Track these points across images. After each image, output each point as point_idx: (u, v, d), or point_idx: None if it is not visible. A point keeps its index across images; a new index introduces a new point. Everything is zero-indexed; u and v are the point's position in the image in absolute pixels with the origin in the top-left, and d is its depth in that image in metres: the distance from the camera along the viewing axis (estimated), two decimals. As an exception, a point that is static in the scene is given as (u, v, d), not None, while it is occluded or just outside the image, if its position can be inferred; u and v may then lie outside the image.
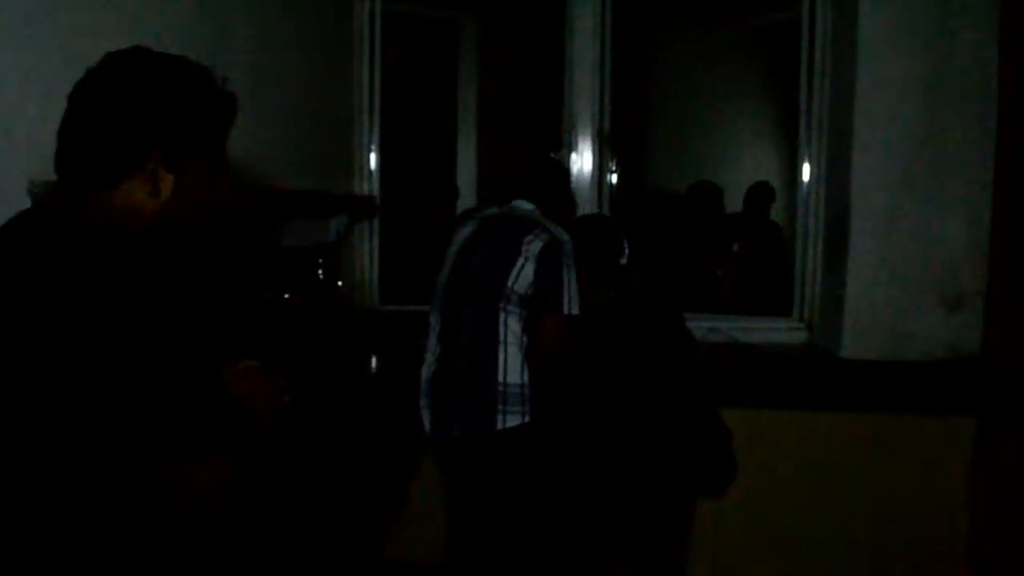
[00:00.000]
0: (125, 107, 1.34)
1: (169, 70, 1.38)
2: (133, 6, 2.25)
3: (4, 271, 1.27)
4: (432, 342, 2.83)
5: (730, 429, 2.79)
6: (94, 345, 1.23)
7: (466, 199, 4.90)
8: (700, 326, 3.43)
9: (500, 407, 2.66)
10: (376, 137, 4.05)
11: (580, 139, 3.87)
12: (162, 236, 1.42)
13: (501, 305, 2.70)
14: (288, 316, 3.06)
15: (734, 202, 4.85)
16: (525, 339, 2.71)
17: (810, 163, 3.65)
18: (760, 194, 4.78)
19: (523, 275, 2.69)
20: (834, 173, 3.49)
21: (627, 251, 2.97)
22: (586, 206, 3.76)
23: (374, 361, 3.44)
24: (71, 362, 1.21)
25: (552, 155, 3.86)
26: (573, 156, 3.87)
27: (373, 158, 4.04)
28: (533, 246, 2.70)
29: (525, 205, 2.87)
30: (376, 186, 4.06)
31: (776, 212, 4.81)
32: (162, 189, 1.37)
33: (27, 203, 1.53)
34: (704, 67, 5.63)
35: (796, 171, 3.75)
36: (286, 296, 3.06)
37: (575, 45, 3.84)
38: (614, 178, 4.14)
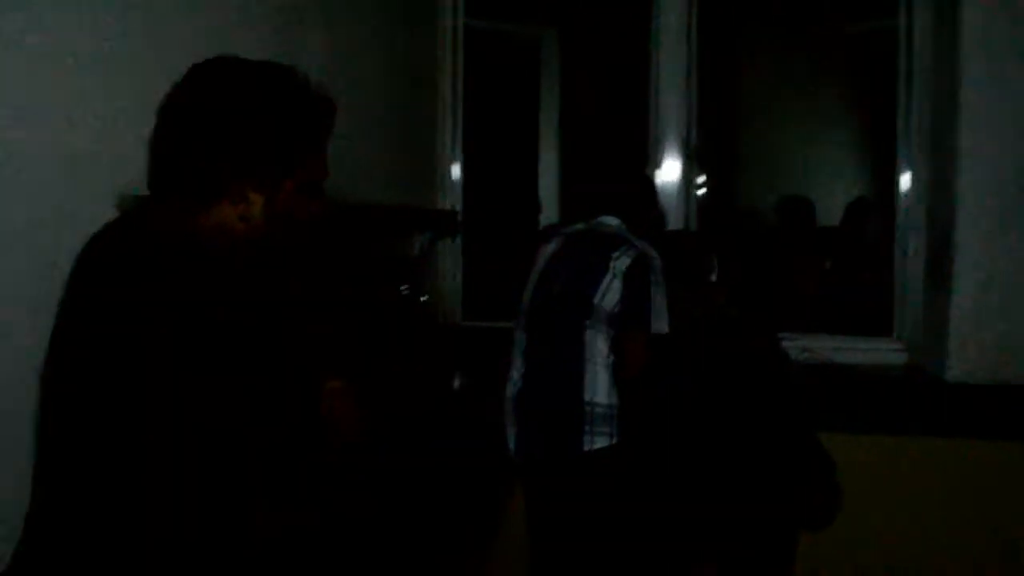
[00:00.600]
0: (206, 132, 1.29)
1: (254, 85, 1.33)
2: (217, 19, 2.25)
3: (91, 282, 1.25)
4: (516, 359, 2.77)
5: (832, 458, 2.66)
6: (179, 363, 1.20)
7: (549, 214, 4.85)
8: (794, 345, 3.29)
9: (587, 427, 2.58)
10: (459, 151, 4.04)
11: (666, 153, 3.78)
12: (252, 258, 1.38)
13: (587, 323, 2.63)
14: (372, 333, 3.04)
15: (826, 218, 4.70)
16: (611, 358, 2.64)
17: (911, 175, 3.49)
18: (860, 210, 4.62)
19: (610, 292, 2.62)
20: (937, 185, 3.33)
21: (716, 268, 2.87)
22: (673, 222, 3.67)
23: (457, 378, 3.40)
24: (156, 379, 1.18)
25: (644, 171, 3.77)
26: (659, 171, 3.78)
27: (456, 172, 4.03)
28: (620, 262, 2.63)
29: (611, 220, 2.80)
30: (459, 200, 4.04)
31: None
32: (253, 212, 1.33)
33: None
34: (795, 77, 5.48)
35: (895, 184, 3.60)
36: (371, 312, 3.05)
37: (661, 56, 3.75)
38: (701, 192, 4.04)
